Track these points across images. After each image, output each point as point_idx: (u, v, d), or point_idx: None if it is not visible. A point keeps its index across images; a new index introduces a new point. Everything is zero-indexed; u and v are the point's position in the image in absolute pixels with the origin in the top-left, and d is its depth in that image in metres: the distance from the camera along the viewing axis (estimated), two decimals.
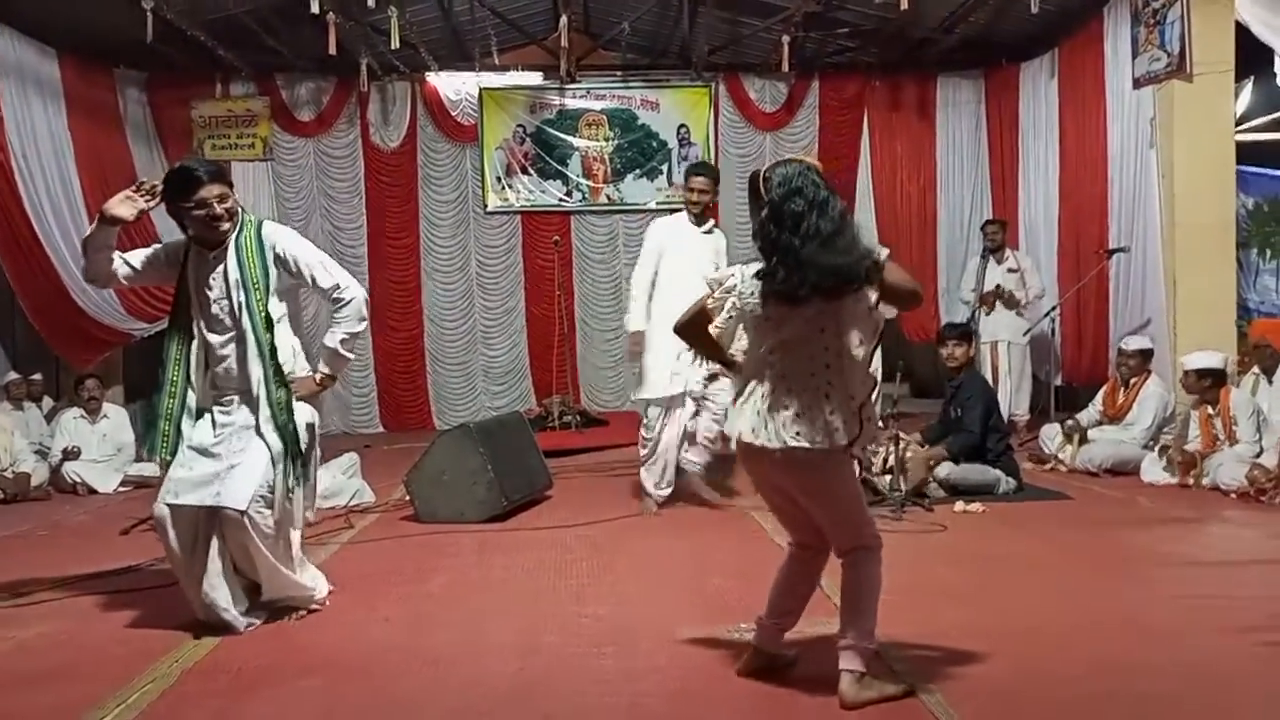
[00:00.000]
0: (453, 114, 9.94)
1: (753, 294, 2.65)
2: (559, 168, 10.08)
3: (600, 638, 3.22)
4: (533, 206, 10.11)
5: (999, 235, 8.24)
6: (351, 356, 3.65)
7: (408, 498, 5.41)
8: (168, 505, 3.31)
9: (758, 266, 2.64)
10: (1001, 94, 9.70)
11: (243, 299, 3.36)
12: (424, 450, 5.45)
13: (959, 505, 5.24)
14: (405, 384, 10.02)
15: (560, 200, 10.13)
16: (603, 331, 10.21)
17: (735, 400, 2.73)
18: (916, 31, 9.03)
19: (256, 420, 3.38)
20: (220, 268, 3.40)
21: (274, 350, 3.40)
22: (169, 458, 3.40)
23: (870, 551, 2.66)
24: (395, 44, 7.72)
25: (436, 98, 9.90)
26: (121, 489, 6.90)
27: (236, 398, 3.45)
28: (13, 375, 7.59)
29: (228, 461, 3.34)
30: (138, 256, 3.53)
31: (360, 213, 9.92)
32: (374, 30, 8.34)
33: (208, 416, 3.45)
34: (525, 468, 5.70)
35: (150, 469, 6.52)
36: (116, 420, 7.35)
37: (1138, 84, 7.44)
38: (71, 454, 6.96)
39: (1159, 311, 7.16)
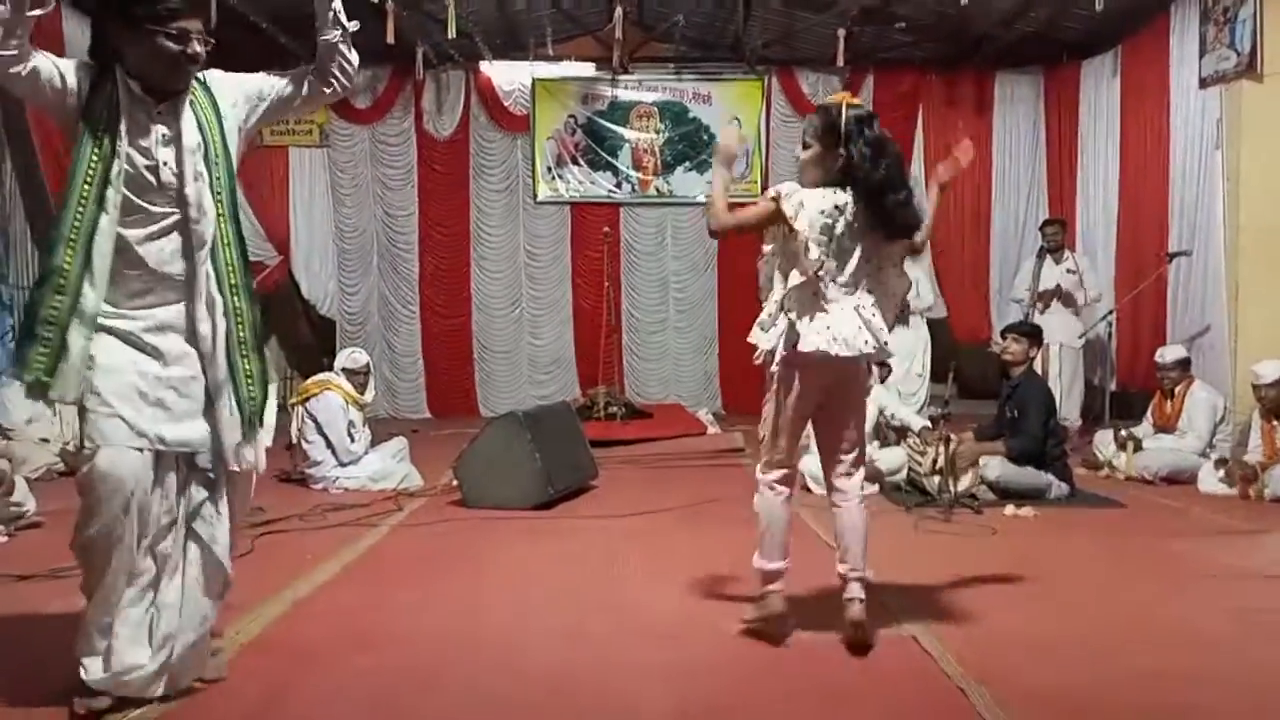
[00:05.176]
0: (505, 104, 10.00)
1: (832, 211, 2.90)
2: (609, 159, 10.10)
3: (647, 629, 3.23)
4: (582, 197, 10.14)
5: (1059, 235, 8.08)
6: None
7: (455, 483, 5.48)
8: (135, 450, 2.39)
9: (826, 193, 2.92)
10: (1061, 92, 9.53)
11: (202, 170, 2.52)
12: (473, 436, 5.52)
13: (1009, 509, 5.17)
14: (453, 370, 10.13)
15: (610, 192, 10.15)
16: (649, 324, 10.24)
17: (796, 318, 2.93)
18: (975, 27, 8.90)
19: (211, 341, 2.52)
20: (172, 128, 2.51)
21: (243, 248, 2.60)
22: (46, 379, 2.35)
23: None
24: (452, 33, 7.78)
25: (490, 87, 9.96)
26: None
27: (171, 309, 2.52)
28: None
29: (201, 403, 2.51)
30: (64, 66, 2.44)
31: (412, 200, 10.03)
32: (431, 19, 8.41)
33: (136, 338, 2.47)
34: (572, 457, 5.74)
35: None
36: None
37: (1204, 84, 7.27)
38: None
39: (1219, 317, 7.01)
